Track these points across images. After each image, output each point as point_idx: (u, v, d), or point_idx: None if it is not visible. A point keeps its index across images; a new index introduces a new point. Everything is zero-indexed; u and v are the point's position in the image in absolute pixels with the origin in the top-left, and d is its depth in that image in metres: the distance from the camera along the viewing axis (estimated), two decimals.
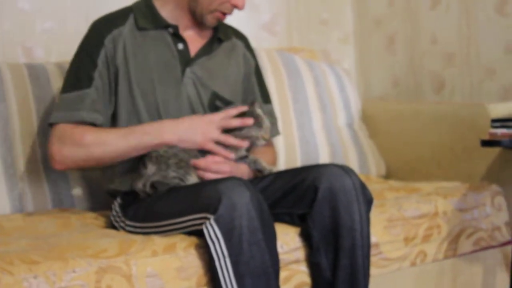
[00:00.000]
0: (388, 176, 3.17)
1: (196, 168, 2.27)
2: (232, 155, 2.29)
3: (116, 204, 2.37)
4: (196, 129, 2.28)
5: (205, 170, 2.26)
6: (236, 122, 2.27)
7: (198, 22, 2.41)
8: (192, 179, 2.25)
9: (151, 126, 2.29)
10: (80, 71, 2.34)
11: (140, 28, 2.39)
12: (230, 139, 2.28)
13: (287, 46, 3.39)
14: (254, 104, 2.32)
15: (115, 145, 2.28)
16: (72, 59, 2.38)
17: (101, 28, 2.37)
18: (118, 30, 2.36)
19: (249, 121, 2.27)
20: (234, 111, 2.29)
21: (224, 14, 2.39)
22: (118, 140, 2.28)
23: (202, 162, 2.28)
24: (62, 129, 2.31)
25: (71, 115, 2.31)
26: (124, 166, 2.35)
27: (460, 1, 3.27)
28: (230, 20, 2.57)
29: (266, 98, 2.56)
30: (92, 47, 2.35)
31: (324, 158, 3.06)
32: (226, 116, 2.28)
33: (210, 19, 2.39)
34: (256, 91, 2.53)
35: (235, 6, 2.38)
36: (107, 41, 2.35)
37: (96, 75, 2.34)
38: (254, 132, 2.30)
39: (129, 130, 2.30)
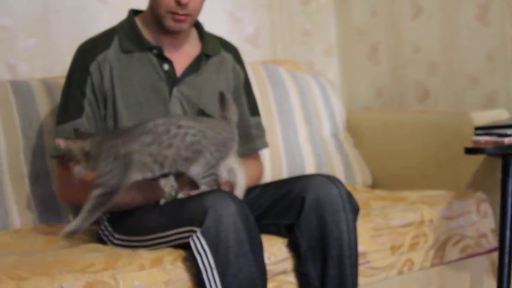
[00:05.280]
0: (374, 185, 3.18)
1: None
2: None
3: (105, 218, 2.37)
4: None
5: None
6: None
7: (178, 38, 2.38)
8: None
9: (150, 188, 2.26)
10: (70, 101, 2.34)
11: (124, 51, 2.37)
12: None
13: (271, 58, 3.40)
14: None
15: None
16: (63, 88, 2.38)
17: (86, 55, 2.36)
18: (102, 55, 2.35)
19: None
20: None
21: (177, 13, 2.31)
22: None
23: None
24: (62, 170, 2.32)
25: None
26: None
27: (442, 10, 3.29)
28: (215, 33, 2.57)
29: (254, 110, 2.54)
30: (78, 76, 2.35)
31: (310, 169, 3.06)
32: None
33: (167, 23, 2.32)
34: (244, 103, 2.51)
35: (178, 3, 2.29)
36: (93, 68, 2.34)
37: (85, 104, 2.33)
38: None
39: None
